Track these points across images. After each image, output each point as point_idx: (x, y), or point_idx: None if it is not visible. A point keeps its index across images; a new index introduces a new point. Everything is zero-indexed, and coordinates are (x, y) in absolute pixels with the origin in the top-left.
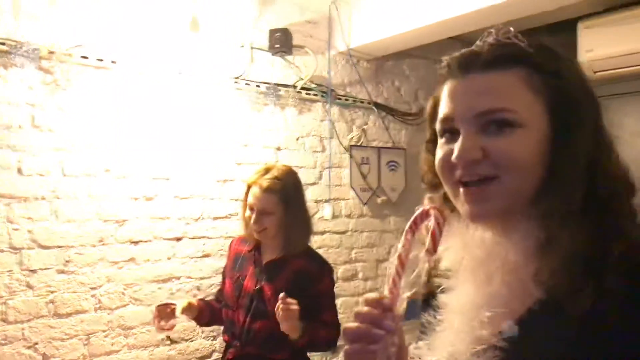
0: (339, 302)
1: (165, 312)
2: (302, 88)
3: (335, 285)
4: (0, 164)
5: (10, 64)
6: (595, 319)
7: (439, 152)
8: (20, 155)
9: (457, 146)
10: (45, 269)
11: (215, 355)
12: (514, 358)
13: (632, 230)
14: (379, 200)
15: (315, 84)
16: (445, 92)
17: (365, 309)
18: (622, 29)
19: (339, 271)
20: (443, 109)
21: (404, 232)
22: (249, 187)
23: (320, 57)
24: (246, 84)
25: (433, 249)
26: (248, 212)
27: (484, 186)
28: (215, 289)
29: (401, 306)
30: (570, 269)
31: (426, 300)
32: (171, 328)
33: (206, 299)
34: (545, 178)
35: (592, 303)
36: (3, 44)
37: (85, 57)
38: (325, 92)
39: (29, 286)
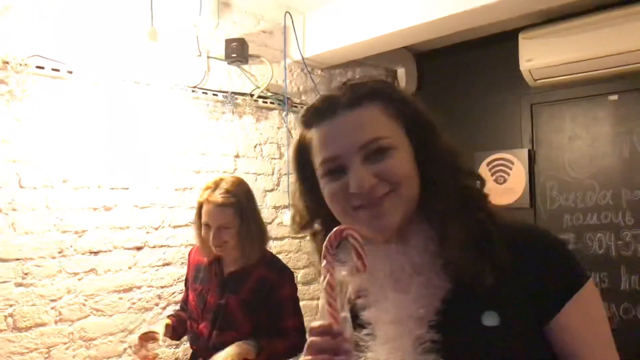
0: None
1: (147, 340)
2: (259, 96)
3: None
4: None
5: None
6: (496, 289)
7: (329, 188)
8: None
9: (352, 179)
10: (3, 282)
11: None
12: (445, 343)
13: (497, 212)
14: None
15: (272, 92)
16: (317, 138)
17: (317, 339)
18: (559, 40)
19: (299, 275)
20: (324, 152)
21: (322, 256)
22: (200, 206)
23: (276, 66)
24: (203, 92)
25: (363, 266)
26: (204, 232)
27: (381, 202)
28: (177, 297)
29: (344, 327)
30: (468, 255)
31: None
32: (154, 357)
33: (176, 310)
34: (421, 187)
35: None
36: None
37: (41, 67)
38: (281, 100)
39: None
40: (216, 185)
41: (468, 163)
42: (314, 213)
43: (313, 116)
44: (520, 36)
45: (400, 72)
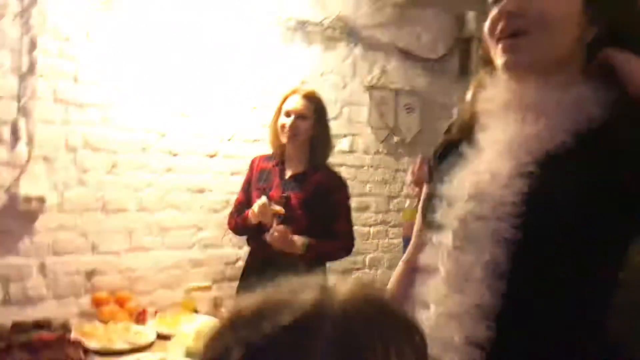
0: None
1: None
2: (328, 27)
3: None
4: (60, 73)
5: None
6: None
7: (490, 15)
8: (76, 65)
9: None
10: (97, 169)
11: (240, 263)
12: (543, 182)
13: None
14: (394, 139)
15: (342, 23)
16: None
17: None
18: None
19: (354, 203)
20: None
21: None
22: (285, 98)
23: None
24: (278, 18)
25: None
26: (282, 120)
27: (516, 39)
28: None
29: None
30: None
31: (464, 139)
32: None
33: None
34: (580, 41)
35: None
36: None
37: None
38: (349, 32)
39: (82, 182)
40: (301, 88)
41: None
42: None
43: None
44: None
45: (470, 15)
